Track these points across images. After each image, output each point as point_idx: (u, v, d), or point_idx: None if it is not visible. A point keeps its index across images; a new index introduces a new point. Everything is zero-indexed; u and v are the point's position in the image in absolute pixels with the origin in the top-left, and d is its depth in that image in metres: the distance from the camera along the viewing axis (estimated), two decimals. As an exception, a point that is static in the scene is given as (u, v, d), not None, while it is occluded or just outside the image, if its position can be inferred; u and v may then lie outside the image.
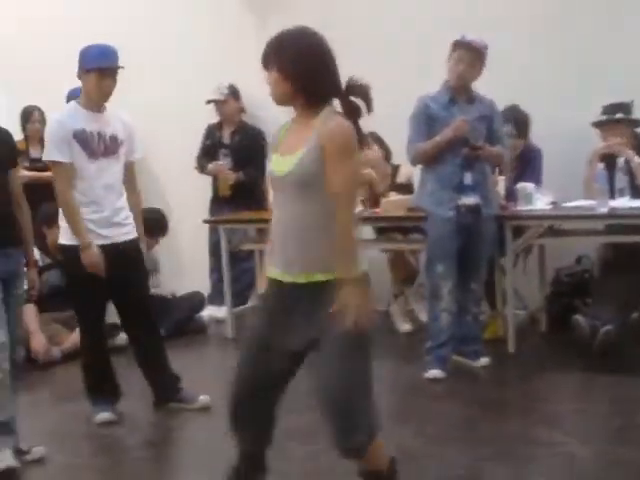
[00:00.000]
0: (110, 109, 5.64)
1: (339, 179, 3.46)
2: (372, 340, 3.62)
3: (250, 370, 3.74)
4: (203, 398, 5.75)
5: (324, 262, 3.53)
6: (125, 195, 5.68)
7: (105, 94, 5.52)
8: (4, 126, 5.23)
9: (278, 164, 3.63)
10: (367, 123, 7.37)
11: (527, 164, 7.16)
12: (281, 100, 3.64)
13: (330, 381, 3.57)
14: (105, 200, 5.50)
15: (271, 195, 3.90)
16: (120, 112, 5.77)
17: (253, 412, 3.82)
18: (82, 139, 5.43)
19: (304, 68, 3.53)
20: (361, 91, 3.60)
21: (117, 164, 5.58)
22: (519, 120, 7.14)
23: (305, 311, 3.59)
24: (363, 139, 3.63)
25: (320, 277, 3.55)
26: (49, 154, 5.45)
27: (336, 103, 3.64)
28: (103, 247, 5.47)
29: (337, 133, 3.48)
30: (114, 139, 5.55)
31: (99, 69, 5.43)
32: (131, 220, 5.68)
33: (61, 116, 5.53)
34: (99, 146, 5.48)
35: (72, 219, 5.43)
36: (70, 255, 5.50)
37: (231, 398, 3.78)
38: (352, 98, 3.59)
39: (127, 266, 5.58)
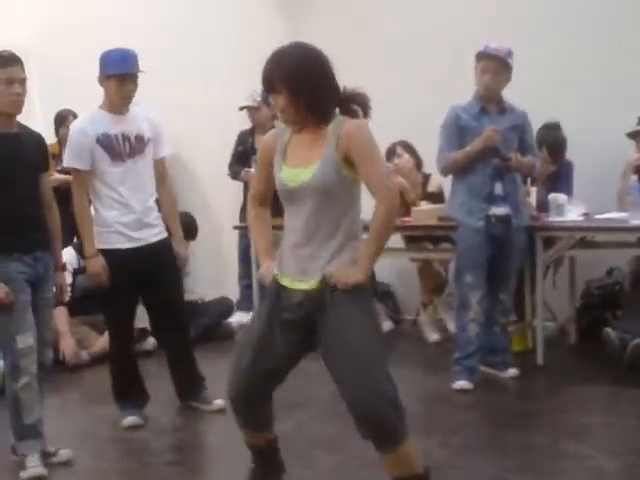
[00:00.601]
0: (134, 109, 5.68)
1: (376, 170, 3.57)
2: (382, 338, 3.74)
3: (249, 366, 3.82)
4: (218, 402, 5.78)
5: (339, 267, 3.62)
6: (155, 195, 5.71)
7: (126, 99, 5.55)
8: (38, 130, 5.28)
9: (291, 175, 3.67)
10: (398, 131, 7.44)
11: (559, 176, 7.13)
12: (294, 120, 3.68)
13: (352, 377, 3.64)
14: (134, 201, 5.53)
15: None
16: (145, 110, 5.82)
17: (251, 401, 3.92)
18: (106, 143, 5.47)
19: (308, 83, 3.56)
20: (359, 99, 3.69)
21: (145, 164, 5.61)
22: (554, 145, 7.09)
23: (314, 313, 3.67)
24: None
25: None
26: (69, 161, 5.52)
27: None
28: (135, 250, 5.51)
29: (360, 129, 3.60)
30: (140, 139, 5.58)
31: (119, 75, 5.48)
32: (161, 221, 5.72)
33: (83, 122, 5.59)
34: (124, 148, 5.51)
35: (82, 225, 5.51)
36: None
37: (230, 387, 3.90)
38: (352, 106, 3.69)
39: (159, 267, 5.62)
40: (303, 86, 3.55)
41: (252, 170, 8.39)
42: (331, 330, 3.64)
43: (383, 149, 7.46)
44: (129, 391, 5.78)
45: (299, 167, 3.64)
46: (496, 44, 6.04)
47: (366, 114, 3.68)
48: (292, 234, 3.71)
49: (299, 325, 3.71)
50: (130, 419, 5.68)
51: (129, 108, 5.61)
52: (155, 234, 5.64)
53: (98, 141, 5.46)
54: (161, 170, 5.83)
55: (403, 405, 3.69)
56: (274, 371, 3.86)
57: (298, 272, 3.68)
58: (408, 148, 7.61)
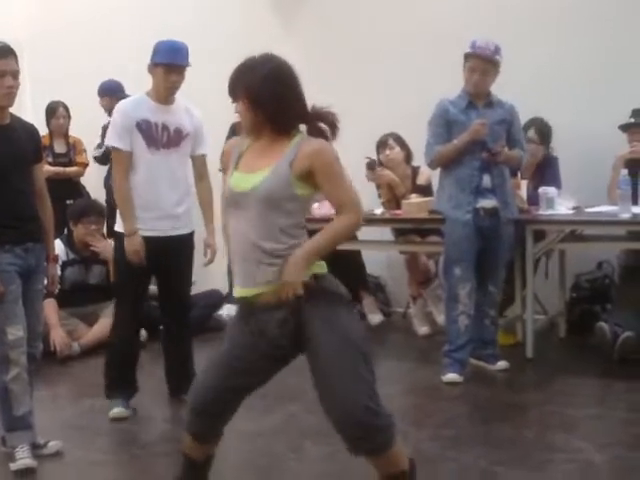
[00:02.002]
0: (180, 102, 5.73)
1: (342, 191, 3.53)
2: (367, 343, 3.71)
3: (219, 380, 3.71)
4: None
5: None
6: (185, 189, 5.72)
7: (170, 89, 5.62)
8: (29, 121, 5.27)
9: (238, 181, 3.62)
10: (386, 124, 7.45)
11: (545, 171, 7.14)
12: (251, 129, 3.63)
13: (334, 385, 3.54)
14: (164, 191, 5.57)
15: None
16: (191, 106, 5.86)
17: (215, 414, 3.80)
18: (145, 129, 5.52)
19: (270, 95, 3.49)
20: (327, 117, 3.59)
21: (179, 156, 5.64)
22: (542, 127, 7.13)
23: (276, 319, 3.58)
24: None
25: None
26: (110, 139, 5.58)
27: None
28: (155, 239, 5.53)
29: (324, 151, 3.52)
30: (178, 131, 5.62)
31: (166, 64, 5.55)
32: (188, 215, 5.74)
33: (126, 105, 5.66)
34: (162, 137, 5.56)
35: (122, 205, 5.56)
36: (120, 242, 5.63)
37: (194, 398, 3.79)
38: (319, 124, 3.58)
39: (174, 261, 5.63)
40: (264, 99, 3.49)
41: None
42: (309, 348, 3.60)
43: (373, 141, 7.51)
44: (120, 382, 5.77)
45: (248, 173, 3.58)
46: (483, 41, 6.05)
47: (334, 134, 3.60)
48: (237, 242, 3.63)
49: (278, 338, 3.63)
50: (116, 410, 5.68)
51: (174, 99, 5.67)
52: (179, 227, 5.67)
53: (138, 125, 5.51)
54: (200, 167, 5.88)
55: (388, 411, 3.62)
56: (246, 386, 3.77)
57: (246, 278, 3.60)
58: (399, 140, 7.62)
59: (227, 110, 8.36)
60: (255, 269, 3.55)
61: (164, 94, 5.61)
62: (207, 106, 8.76)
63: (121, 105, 5.70)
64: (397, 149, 7.61)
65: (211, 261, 5.90)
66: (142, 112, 5.55)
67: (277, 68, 3.57)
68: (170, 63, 5.56)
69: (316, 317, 3.53)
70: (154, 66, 5.59)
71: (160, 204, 5.57)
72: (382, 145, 7.64)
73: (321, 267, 3.65)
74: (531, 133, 7.06)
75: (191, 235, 5.80)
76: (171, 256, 5.62)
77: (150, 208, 5.55)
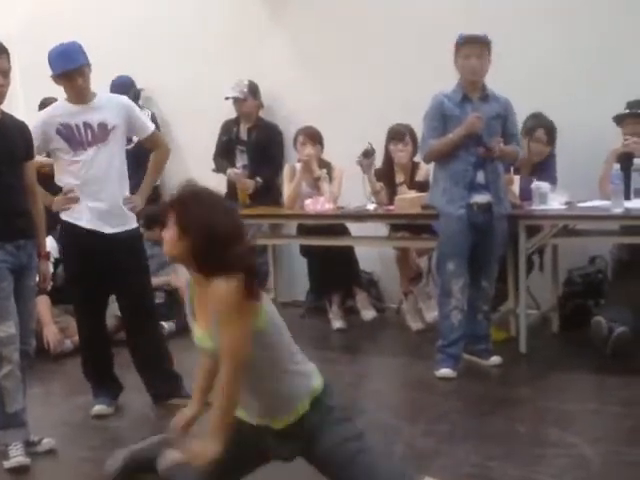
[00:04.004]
0: (102, 96, 5.68)
1: (224, 341, 3.37)
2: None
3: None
4: None
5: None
6: (123, 184, 5.67)
7: (80, 92, 5.52)
8: (21, 117, 5.25)
9: (202, 340, 3.58)
10: (384, 116, 7.42)
11: (545, 166, 7.14)
12: (174, 258, 3.53)
13: None
14: (100, 189, 5.52)
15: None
16: (113, 95, 5.91)
17: None
18: (65, 133, 5.47)
19: (200, 239, 3.34)
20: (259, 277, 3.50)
21: (110, 150, 5.56)
22: (550, 128, 7.11)
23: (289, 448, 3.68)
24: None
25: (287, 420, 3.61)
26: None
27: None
28: (103, 236, 5.50)
29: (216, 295, 3.35)
30: (103, 126, 5.53)
31: (62, 74, 5.47)
32: (127, 212, 5.67)
33: (45, 113, 5.64)
34: (86, 136, 5.49)
35: None
36: (67, 237, 5.69)
37: None
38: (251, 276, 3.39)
39: (126, 258, 5.58)
40: (193, 238, 3.35)
41: (238, 171, 8.35)
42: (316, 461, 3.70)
43: (364, 132, 7.43)
44: (101, 383, 5.80)
45: (202, 328, 3.54)
46: (470, 32, 6.06)
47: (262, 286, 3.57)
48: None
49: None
50: (98, 408, 5.70)
51: (94, 95, 5.60)
52: (120, 224, 5.61)
53: (58, 131, 5.47)
54: (152, 145, 5.89)
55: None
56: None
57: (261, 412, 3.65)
58: (413, 135, 7.48)
59: (218, 105, 8.47)
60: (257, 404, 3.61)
61: (77, 99, 5.54)
62: (197, 99, 8.83)
63: (40, 114, 5.73)
64: (409, 148, 7.52)
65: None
66: (60, 117, 5.50)
67: (212, 212, 3.41)
68: (65, 71, 5.46)
69: (322, 443, 3.60)
70: (55, 78, 5.53)
71: (104, 202, 5.52)
72: (398, 136, 7.52)
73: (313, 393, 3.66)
74: (540, 133, 7.03)
75: (136, 230, 5.77)
76: (116, 253, 5.53)
77: (94, 207, 5.51)
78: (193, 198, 3.45)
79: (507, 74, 6.27)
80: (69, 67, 5.44)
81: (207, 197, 3.49)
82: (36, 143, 5.33)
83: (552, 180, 6.98)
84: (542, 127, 7.08)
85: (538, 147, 6.99)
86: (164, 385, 5.73)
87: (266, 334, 3.49)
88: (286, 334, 3.65)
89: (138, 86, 9.01)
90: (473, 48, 6.04)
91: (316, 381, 3.67)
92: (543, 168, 7.12)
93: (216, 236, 3.33)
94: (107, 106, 5.61)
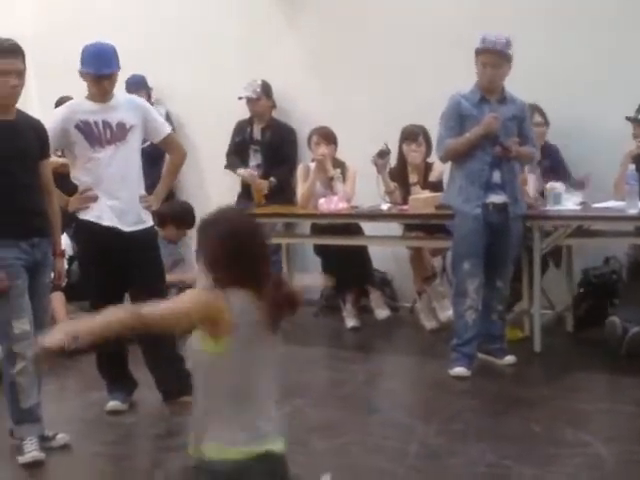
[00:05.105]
0: (120, 96, 5.70)
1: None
2: None
3: None
4: None
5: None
6: (139, 183, 5.69)
7: (104, 94, 5.54)
8: (36, 116, 5.27)
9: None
10: (397, 117, 7.39)
11: (550, 161, 7.12)
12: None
13: None
14: (118, 187, 5.53)
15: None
16: (131, 96, 5.93)
17: None
18: (85, 129, 5.48)
19: (215, 260, 3.10)
20: (288, 293, 3.12)
21: (126, 150, 5.57)
22: (541, 110, 7.14)
23: None
24: (276, 326, 3.10)
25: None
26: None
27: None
28: (121, 234, 5.50)
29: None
30: (121, 125, 5.55)
31: (93, 75, 5.48)
32: (143, 210, 5.68)
33: (65, 108, 5.64)
34: (105, 134, 5.50)
35: None
36: (82, 234, 5.71)
37: None
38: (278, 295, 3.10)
39: (141, 255, 5.59)
40: (211, 262, 3.10)
41: (252, 172, 8.35)
42: None
43: (377, 134, 7.42)
44: (115, 381, 5.82)
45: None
46: (494, 35, 6.04)
47: (293, 310, 3.13)
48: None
49: None
50: (112, 404, 5.73)
51: (113, 95, 5.60)
52: (136, 222, 5.61)
53: (77, 127, 5.47)
54: (168, 147, 5.93)
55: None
56: None
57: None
58: (426, 136, 7.47)
59: (231, 105, 8.48)
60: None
61: (99, 98, 5.55)
62: (210, 100, 8.85)
63: (58, 110, 5.72)
64: (423, 148, 7.49)
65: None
66: (80, 114, 5.50)
67: (227, 231, 3.13)
68: (96, 74, 5.47)
69: None
70: (83, 74, 5.54)
71: (122, 201, 5.54)
72: (412, 137, 7.49)
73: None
74: (536, 117, 7.05)
75: (152, 228, 5.79)
76: (132, 250, 5.53)
77: (112, 205, 5.52)
78: (204, 227, 3.19)
79: (521, 72, 6.23)
80: (102, 72, 5.47)
81: (213, 221, 3.19)
82: (54, 139, 5.35)
83: (565, 176, 6.98)
84: (535, 111, 7.09)
85: (539, 130, 6.96)
86: (175, 383, 5.72)
87: (221, 357, 3.02)
88: (248, 379, 3.06)
89: (150, 85, 9.02)
90: (490, 58, 6.04)
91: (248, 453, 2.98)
92: (551, 166, 7.10)
93: (229, 251, 3.09)
94: (126, 106, 5.63)
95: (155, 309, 2.98)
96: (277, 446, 3.03)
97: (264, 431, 3.01)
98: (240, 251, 3.09)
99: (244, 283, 3.06)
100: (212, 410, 3.02)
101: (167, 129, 5.89)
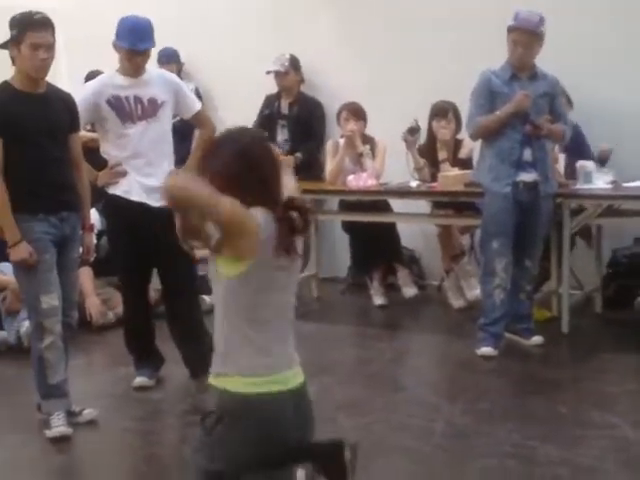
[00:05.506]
0: (152, 71, 5.69)
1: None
2: None
3: None
4: None
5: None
6: (170, 159, 5.67)
7: (137, 69, 5.51)
8: (65, 89, 5.27)
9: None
10: (427, 94, 7.33)
11: (572, 140, 7.06)
12: None
13: None
14: (148, 163, 5.53)
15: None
16: (162, 71, 5.91)
17: None
18: (116, 105, 5.46)
19: (230, 176, 3.06)
20: (300, 209, 3.13)
21: (157, 126, 5.56)
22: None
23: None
24: (290, 247, 3.09)
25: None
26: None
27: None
28: (149, 209, 5.48)
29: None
30: (153, 101, 5.53)
31: (128, 49, 5.44)
32: None
33: (96, 82, 5.62)
34: (136, 110, 5.49)
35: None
36: (111, 209, 5.72)
37: None
38: (290, 212, 3.10)
39: (170, 231, 5.55)
40: (225, 177, 3.06)
41: (277, 148, 8.32)
42: None
43: (407, 110, 7.38)
44: (142, 352, 5.83)
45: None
46: (527, 12, 5.99)
47: (305, 227, 3.16)
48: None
49: None
50: (139, 380, 5.74)
51: (145, 70, 5.58)
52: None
53: (108, 102, 5.46)
54: (199, 122, 5.91)
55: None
56: None
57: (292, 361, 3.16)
58: (456, 113, 7.42)
59: (261, 79, 8.45)
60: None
61: (131, 71, 5.52)
62: (239, 74, 8.82)
63: (89, 84, 5.70)
64: (452, 125, 7.45)
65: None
66: (111, 88, 5.48)
67: (243, 148, 3.13)
68: (131, 49, 5.43)
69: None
70: (117, 46, 5.50)
71: (149, 175, 5.51)
72: (441, 113, 7.46)
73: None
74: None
75: None
76: (161, 226, 5.22)
77: (145, 181, 5.51)
78: (218, 144, 3.22)
79: (551, 51, 6.17)
80: (138, 47, 5.44)
81: (229, 138, 3.21)
82: (85, 113, 5.36)
83: (588, 153, 6.93)
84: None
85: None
86: (202, 359, 5.72)
87: (239, 280, 3.01)
88: (265, 302, 3.06)
89: (182, 60, 9.02)
90: (521, 36, 5.99)
91: (268, 384, 3.01)
92: (577, 148, 7.03)
93: (243, 168, 3.08)
94: (157, 82, 5.61)
95: (230, 200, 2.92)
96: (296, 377, 3.09)
97: (283, 357, 3.07)
98: (253, 168, 3.07)
99: (260, 202, 3.05)
100: (230, 337, 3.04)
101: (197, 105, 5.87)
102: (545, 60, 6.17)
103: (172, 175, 3.13)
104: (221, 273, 3.03)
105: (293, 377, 3.08)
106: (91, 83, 5.71)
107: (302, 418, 3.11)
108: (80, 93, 5.53)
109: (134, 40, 5.42)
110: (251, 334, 3.01)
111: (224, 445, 3.05)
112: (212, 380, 3.08)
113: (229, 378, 3.01)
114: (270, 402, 3.00)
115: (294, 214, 3.09)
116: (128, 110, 5.47)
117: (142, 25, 5.51)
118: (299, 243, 3.14)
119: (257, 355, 3.01)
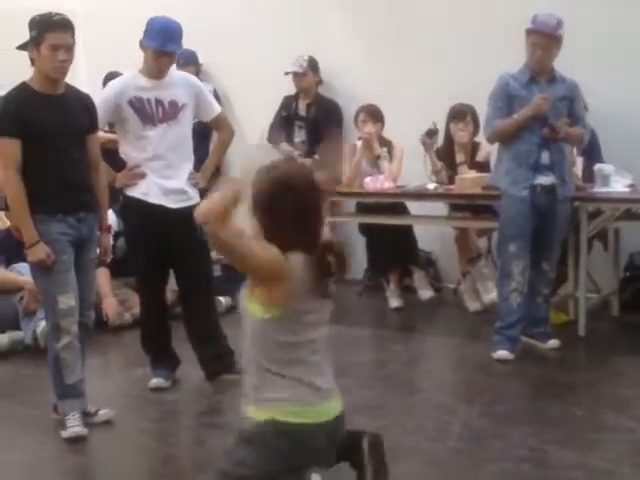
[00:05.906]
0: (173, 73, 5.71)
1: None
2: None
3: None
4: None
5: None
6: (189, 162, 5.69)
7: (161, 71, 5.52)
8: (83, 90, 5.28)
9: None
10: (442, 97, 7.32)
11: (591, 144, 7.04)
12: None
13: None
14: (167, 166, 5.54)
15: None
16: (184, 74, 5.90)
17: None
18: (138, 106, 5.47)
19: (270, 220, 3.07)
20: (336, 251, 3.14)
21: (178, 129, 5.57)
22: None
23: None
24: (325, 291, 3.11)
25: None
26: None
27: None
28: (167, 211, 5.51)
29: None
30: (173, 104, 5.54)
31: (156, 50, 5.44)
32: (192, 188, 5.68)
33: (119, 82, 5.63)
34: (157, 112, 5.50)
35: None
36: (129, 211, 5.72)
37: None
38: (328, 256, 3.10)
39: (187, 232, 5.56)
40: (265, 220, 3.08)
41: (293, 150, 8.32)
42: None
43: (424, 112, 7.38)
44: (158, 353, 5.83)
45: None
46: (545, 15, 5.97)
47: (342, 269, 3.14)
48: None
49: None
50: (155, 381, 5.74)
51: (167, 72, 5.58)
52: (183, 200, 5.59)
53: (130, 103, 5.46)
54: (217, 126, 5.93)
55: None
56: None
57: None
58: (474, 116, 7.42)
59: (279, 80, 8.45)
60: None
61: (155, 74, 5.52)
62: (257, 75, 8.83)
63: (111, 84, 5.70)
64: (470, 128, 7.44)
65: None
66: (133, 90, 5.48)
67: (287, 192, 3.06)
68: (160, 50, 5.44)
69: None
70: (145, 46, 5.50)
71: (168, 178, 5.54)
72: (459, 116, 7.45)
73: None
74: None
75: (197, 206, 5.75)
76: (178, 227, 5.44)
77: (163, 183, 5.53)
78: (261, 183, 3.12)
79: (567, 52, 6.15)
80: (167, 48, 5.45)
81: (275, 180, 3.11)
82: (106, 113, 5.40)
83: (600, 157, 6.91)
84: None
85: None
86: (217, 360, 5.74)
87: (271, 323, 3.05)
88: (296, 342, 3.09)
89: (200, 62, 9.03)
90: (540, 39, 5.97)
91: (301, 415, 3.07)
92: (590, 151, 7.01)
93: (284, 213, 3.06)
94: (179, 84, 5.62)
95: (249, 241, 3.00)
96: (335, 406, 3.16)
97: (317, 390, 3.10)
98: (300, 211, 3.06)
99: (299, 245, 3.06)
100: (262, 374, 3.07)
101: (218, 108, 5.88)
102: (562, 58, 6.15)
103: (210, 213, 3.10)
104: (252, 314, 3.07)
105: (328, 409, 3.13)
106: (113, 83, 5.70)
107: (334, 446, 3.17)
108: (102, 93, 5.56)
109: (163, 41, 5.44)
110: (283, 371, 3.06)
111: (254, 459, 3.07)
112: (245, 407, 3.12)
113: (261, 407, 3.07)
114: (303, 433, 3.06)
115: (331, 258, 3.10)
116: (149, 112, 5.48)
117: (172, 27, 5.53)
118: (332, 285, 3.15)
119: (288, 389, 3.06)
